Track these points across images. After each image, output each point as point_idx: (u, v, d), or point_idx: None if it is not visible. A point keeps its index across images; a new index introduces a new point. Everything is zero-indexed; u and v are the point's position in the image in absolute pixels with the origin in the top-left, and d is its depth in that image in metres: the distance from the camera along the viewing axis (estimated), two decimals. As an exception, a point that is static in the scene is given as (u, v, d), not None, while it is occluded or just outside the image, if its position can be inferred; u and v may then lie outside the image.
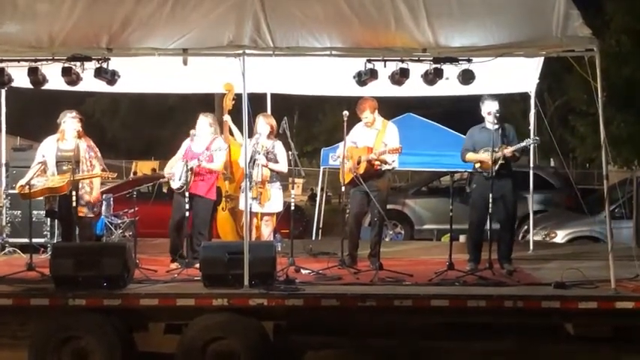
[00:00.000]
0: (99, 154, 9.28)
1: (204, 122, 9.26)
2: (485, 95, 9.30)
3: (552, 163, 26.41)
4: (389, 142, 9.22)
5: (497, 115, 9.03)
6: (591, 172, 28.27)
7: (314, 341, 8.14)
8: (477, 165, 9.16)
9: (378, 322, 8.04)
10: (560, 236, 13.20)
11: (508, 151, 8.91)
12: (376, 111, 9.36)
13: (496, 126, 9.12)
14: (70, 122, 9.11)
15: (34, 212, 9.62)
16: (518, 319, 7.92)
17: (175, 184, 9.13)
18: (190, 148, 9.19)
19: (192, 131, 9.21)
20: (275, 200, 9.48)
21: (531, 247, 11.12)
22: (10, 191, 10.60)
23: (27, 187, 8.80)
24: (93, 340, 7.62)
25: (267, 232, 9.53)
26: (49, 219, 10.26)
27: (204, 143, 9.18)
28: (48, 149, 9.13)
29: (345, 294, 7.82)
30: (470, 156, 9.25)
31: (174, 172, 9.15)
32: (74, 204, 8.75)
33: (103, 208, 10.20)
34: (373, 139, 9.28)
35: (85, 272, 7.77)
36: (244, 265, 7.77)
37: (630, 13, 20.98)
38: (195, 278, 8.17)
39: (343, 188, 9.26)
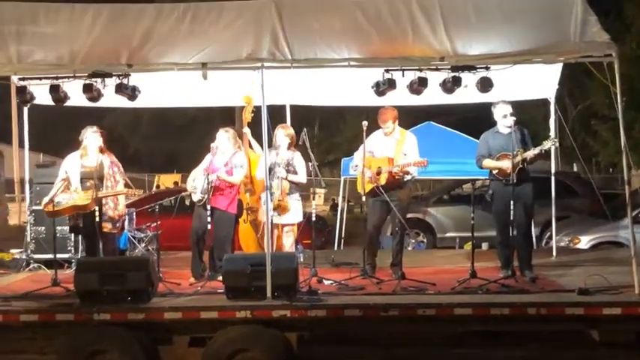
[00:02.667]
0: (122, 169, 9.27)
1: (224, 137, 9.30)
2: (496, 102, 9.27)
3: (575, 169, 26.25)
4: (408, 152, 9.23)
5: (513, 117, 8.97)
6: (614, 176, 28.04)
7: (337, 352, 8.15)
8: (495, 171, 9.10)
9: (402, 331, 8.04)
10: (584, 242, 13.10)
11: (530, 153, 8.84)
12: (397, 121, 9.36)
13: (509, 130, 8.98)
14: (91, 137, 9.07)
15: (58, 228, 9.68)
16: (542, 327, 7.90)
17: (196, 197, 9.18)
18: (212, 162, 9.25)
19: (213, 144, 9.27)
20: (294, 211, 9.49)
21: (554, 254, 11.06)
22: (35, 207, 10.68)
23: (51, 204, 8.86)
24: (118, 354, 7.66)
25: (288, 243, 9.54)
26: (73, 234, 10.32)
27: (225, 157, 9.23)
28: (71, 166, 9.12)
29: (368, 304, 7.83)
30: (487, 163, 9.17)
31: (197, 184, 9.20)
32: (97, 219, 8.80)
33: (126, 222, 10.24)
34: (393, 149, 9.27)
35: (110, 287, 7.85)
36: (267, 276, 7.81)
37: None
38: (219, 291, 8.21)
39: (364, 198, 9.24)
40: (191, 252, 9.36)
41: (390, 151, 9.26)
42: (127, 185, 9.23)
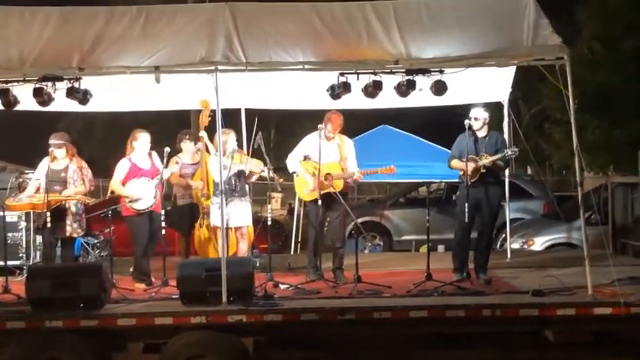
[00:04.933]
0: (89, 176, 9.34)
1: (147, 139, 9.38)
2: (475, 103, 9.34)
3: (529, 171, 26.53)
4: (349, 156, 9.31)
5: (478, 122, 9.04)
6: (568, 178, 28.39)
7: (294, 356, 8.13)
8: (461, 173, 9.14)
9: (359, 334, 8.04)
10: (538, 244, 13.26)
11: (487, 161, 8.92)
12: (339, 128, 9.37)
13: (484, 133, 9.13)
14: (54, 149, 9.16)
15: (9, 235, 9.54)
16: (497, 328, 7.95)
17: (144, 204, 9.15)
18: (136, 165, 9.26)
19: (166, 149, 9.22)
20: (244, 213, 9.43)
21: (509, 255, 11.15)
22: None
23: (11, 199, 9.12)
24: (71, 361, 7.55)
25: (244, 246, 9.47)
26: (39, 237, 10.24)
27: (147, 160, 9.38)
28: (40, 170, 9.22)
29: (324, 307, 7.82)
30: (454, 163, 9.25)
31: (136, 193, 9.14)
32: (48, 224, 8.79)
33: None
34: (337, 154, 9.26)
35: (62, 293, 7.73)
36: (222, 281, 7.75)
37: (602, 20, 21.15)
38: (173, 296, 8.13)
39: (320, 202, 9.13)
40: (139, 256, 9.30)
41: (335, 156, 9.24)
42: (89, 191, 9.30)
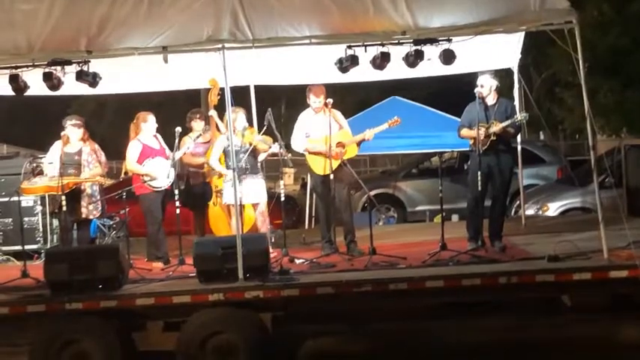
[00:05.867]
0: (102, 158, 9.44)
1: (154, 120, 9.49)
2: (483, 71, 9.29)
3: (542, 137, 26.43)
4: (343, 125, 9.37)
5: (485, 89, 9.00)
6: (581, 142, 28.25)
7: (312, 330, 8.19)
8: (471, 141, 9.12)
9: (375, 306, 8.08)
10: (553, 209, 13.22)
11: (497, 128, 8.88)
12: (323, 96, 9.34)
13: (493, 101, 9.08)
14: (70, 129, 9.27)
15: (25, 219, 9.62)
16: (514, 295, 7.97)
17: (160, 183, 9.26)
18: (147, 146, 9.37)
19: (177, 129, 9.25)
20: (258, 190, 9.41)
21: (524, 222, 11.14)
22: (0, 199, 10.56)
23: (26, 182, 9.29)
24: (92, 342, 7.66)
25: (264, 229, 9.40)
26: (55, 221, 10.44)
27: (155, 141, 9.50)
28: (54, 153, 9.27)
29: (340, 281, 7.86)
30: (463, 132, 9.20)
31: (154, 172, 9.23)
32: (64, 207, 8.86)
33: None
34: (335, 125, 9.23)
35: (80, 276, 7.81)
36: (238, 258, 7.79)
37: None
38: (190, 275, 8.19)
39: (332, 176, 9.18)
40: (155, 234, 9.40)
41: (333, 126, 9.19)
42: (103, 175, 9.38)
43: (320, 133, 9.22)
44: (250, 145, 9.16)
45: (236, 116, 9.19)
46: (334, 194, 9.23)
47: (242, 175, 9.05)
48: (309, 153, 9.34)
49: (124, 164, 9.45)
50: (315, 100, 9.27)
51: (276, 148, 9.20)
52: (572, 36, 8.03)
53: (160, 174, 9.26)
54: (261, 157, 9.33)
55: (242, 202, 9.06)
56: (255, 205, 9.43)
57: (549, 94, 25.64)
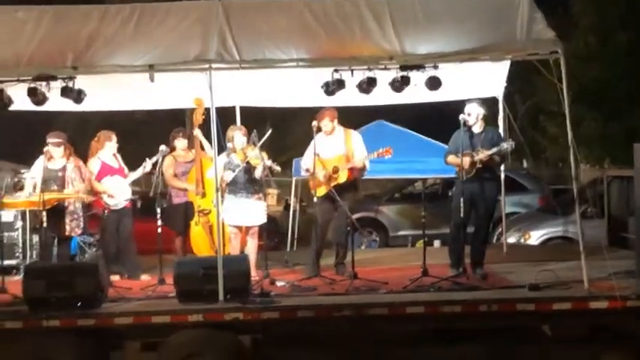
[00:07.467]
0: (86, 176, 9.38)
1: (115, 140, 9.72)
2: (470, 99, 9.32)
3: (525, 164, 26.55)
4: (357, 148, 9.29)
5: (472, 117, 9.01)
6: (563, 171, 28.37)
7: (292, 353, 8.12)
8: (457, 168, 9.10)
9: (355, 331, 8.04)
10: (535, 237, 13.26)
11: (483, 155, 8.91)
12: (335, 120, 9.33)
13: (479, 129, 9.11)
14: (50, 148, 9.23)
15: (5, 234, 9.54)
16: (494, 323, 7.96)
17: (117, 202, 9.49)
18: (106, 164, 9.57)
19: (162, 147, 9.26)
20: (259, 212, 9.29)
21: (505, 250, 11.15)
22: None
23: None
24: (69, 361, 7.55)
25: (252, 245, 9.31)
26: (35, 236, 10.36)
27: (114, 160, 9.73)
28: (36, 168, 9.28)
29: (321, 305, 7.83)
30: (450, 159, 9.21)
31: (111, 190, 9.43)
32: (44, 224, 8.75)
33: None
34: (342, 147, 9.26)
35: (59, 293, 7.75)
36: (219, 279, 7.75)
37: (596, 12, 21.16)
38: (170, 295, 8.13)
39: (315, 200, 9.21)
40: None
41: (338, 149, 9.23)
42: (90, 191, 9.33)
43: (327, 153, 9.22)
44: (247, 163, 9.10)
45: (233, 135, 9.19)
46: (329, 218, 9.31)
47: (239, 194, 9.06)
48: (309, 174, 9.36)
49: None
50: (321, 124, 9.27)
51: (269, 162, 9.14)
52: (557, 66, 8.08)
53: (117, 192, 9.42)
54: (258, 172, 9.19)
55: (240, 223, 9.14)
56: (248, 228, 9.34)
57: (533, 123, 25.78)
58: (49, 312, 7.65)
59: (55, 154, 9.21)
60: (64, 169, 9.21)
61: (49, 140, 9.23)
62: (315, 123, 9.08)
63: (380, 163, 9.31)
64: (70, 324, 7.64)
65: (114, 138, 9.68)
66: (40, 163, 9.24)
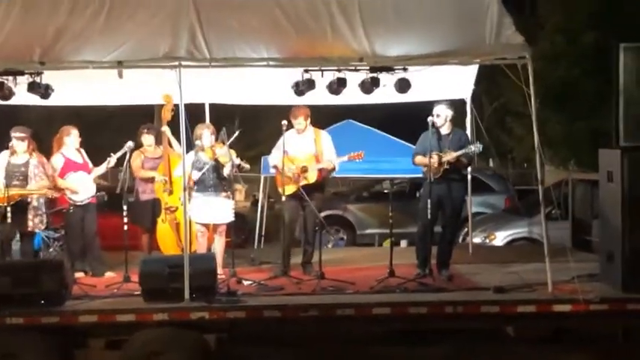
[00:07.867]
0: (49, 172, 9.26)
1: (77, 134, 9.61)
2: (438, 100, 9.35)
3: (491, 164, 26.72)
4: (326, 149, 9.29)
5: (440, 118, 9.05)
6: (529, 171, 28.63)
7: (257, 353, 8.12)
8: (424, 169, 9.14)
9: (321, 331, 8.06)
10: (500, 238, 13.37)
11: (451, 157, 8.95)
12: (309, 119, 9.34)
13: (447, 131, 9.14)
14: (14, 142, 9.08)
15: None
16: (459, 324, 8.02)
17: (81, 197, 9.39)
18: (70, 160, 9.47)
19: (129, 143, 9.20)
20: (226, 210, 9.24)
21: (470, 250, 11.22)
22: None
23: None
24: (32, 358, 7.48)
25: (219, 244, 9.28)
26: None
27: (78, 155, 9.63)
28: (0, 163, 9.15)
29: (287, 305, 7.83)
30: (417, 159, 9.22)
31: (75, 185, 9.34)
32: (9, 219, 8.65)
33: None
34: (312, 146, 9.26)
35: (22, 290, 7.68)
36: (184, 278, 7.72)
37: (563, 12, 21.31)
38: (135, 293, 8.07)
39: (284, 198, 9.21)
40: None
41: (309, 148, 9.24)
42: (54, 187, 9.24)
43: (297, 151, 9.21)
44: (216, 160, 9.06)
45: (202, 133, 9.14)
46: (296, 217, 9.32)
47: (207, 192, 9.04)
48: (275, 171, 9.35)
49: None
50: (295, 122, 9.26)
51: (237, 160, 9.11)
52: (524, 68, 8.14)
53: (81, 188, 9.35)
54: (226, 170, 9.15)
55: (208, 220, 9.11)
56: (215, 226, 9.30)
57: (500, 123, 25.98)
58: (12, 309, 7.57)
59: (19, 149, 9.07)
60: (26, 164, 9.08)
61: (13, 134, 9.09)
62: (285, 121, 9.07)
63: (349, 161, 9.32)
64: (33, 321, 7.57)
65: (74, 132, 9.55)
66: (3, 157, 9.12)
